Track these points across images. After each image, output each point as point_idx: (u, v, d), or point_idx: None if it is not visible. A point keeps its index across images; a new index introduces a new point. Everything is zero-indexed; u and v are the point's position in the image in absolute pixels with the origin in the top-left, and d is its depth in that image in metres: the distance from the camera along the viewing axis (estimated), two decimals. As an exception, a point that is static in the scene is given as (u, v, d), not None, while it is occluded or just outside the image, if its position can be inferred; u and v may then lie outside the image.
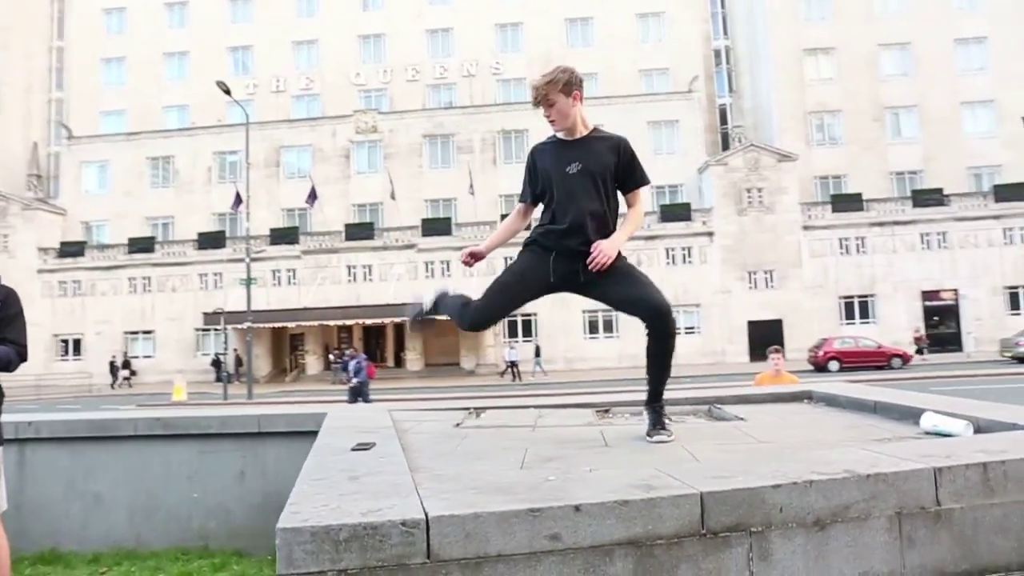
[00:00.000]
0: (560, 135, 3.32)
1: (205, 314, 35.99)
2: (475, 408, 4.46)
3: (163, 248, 40.55)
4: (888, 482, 2.06)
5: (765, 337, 37.50)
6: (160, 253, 40.26)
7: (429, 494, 2.04)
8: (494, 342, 37.93)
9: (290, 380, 38.24)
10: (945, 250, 37.03)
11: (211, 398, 26.80)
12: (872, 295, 37.51)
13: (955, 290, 36.94)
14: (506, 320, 38.34)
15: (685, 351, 37.26)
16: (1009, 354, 30.25)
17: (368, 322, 38.42)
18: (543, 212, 3.38)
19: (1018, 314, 36.22)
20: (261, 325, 34.21)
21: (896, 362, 30.26)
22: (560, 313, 37.77)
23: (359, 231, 39.16)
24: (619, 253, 3.22)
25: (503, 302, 3.34)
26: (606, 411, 4.43)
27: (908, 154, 40.67)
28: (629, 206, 3.40)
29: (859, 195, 38.45)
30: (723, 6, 46.21)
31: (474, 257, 3.45)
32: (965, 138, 40.25)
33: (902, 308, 37.00)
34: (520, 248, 3.41)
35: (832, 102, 41.15)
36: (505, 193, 40.71)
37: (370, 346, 41.19)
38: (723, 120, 45.83)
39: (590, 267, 3.07)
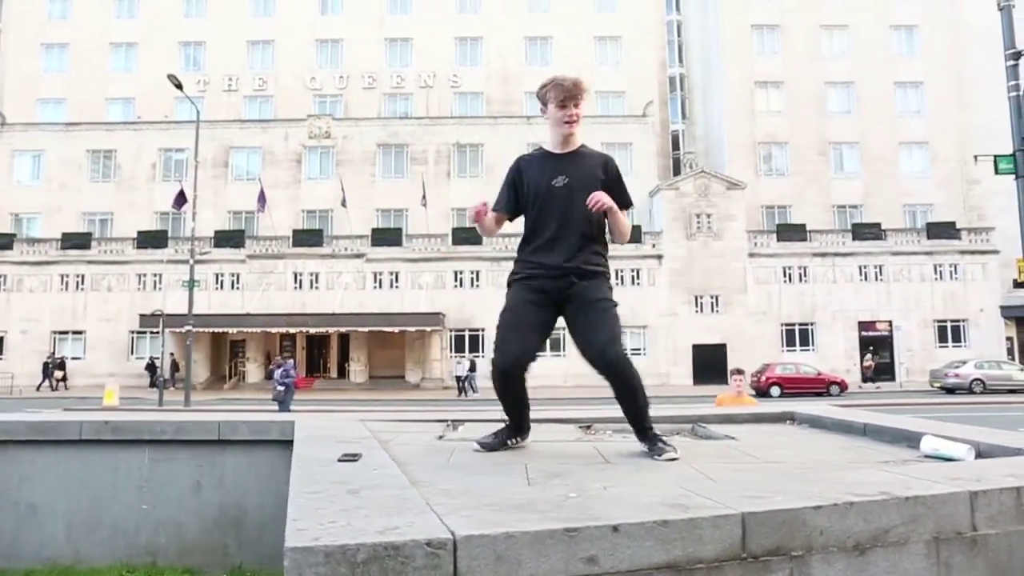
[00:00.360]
0: (549, 146, 3.29)
1: (142, 316, 34.60)
2: (452, 421, 4.28)
3: (100, 245, 38.91)
4: (927, 505, 1.99)
5: (709, 361, 38.17)
6: (96, 250, 38.60)
7: (446, 511, 1.87)
8: (440, 356, 37.56)
9: (229, 388, 37.05)
10: (881, 283, 38.37)
11: (145, 403, 25.70)
12: (812, 323, 38.55)
13: (890, 321, 38.26)
14: (453, 334, 38.13)
15: (630, 372, 37.66)
16: (938, 384, 31.47)
17: (313, 331, 37.61)
18: (524, 230, 3.30)
19: (946, 347, 37.70)
20: (201, 330, 33.06)
21: (834, 389, 31.08)
22: (507, 329, 37.63)
23: (307, 238, 38.37)
24: (606, 295, 3.22)
25: (523, 341, 3.20)
26: (588, 427, 4.30)
27: (849, 188, 42.18)
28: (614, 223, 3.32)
29: (803, 225, 39.61)
30: (679, 35, 47.30)
31: (483, 208, 3.27)
32: (902, 177, 41.98)
33: (840, 337, 38.14)
34: (508, 285, 3.33)
35: (780, 134, 42.41)
36: (457, 206, 40.55)
37: (313, 356, 40.36)
38: (675, 146, 46.74)
39: (590, 204, 3.02)
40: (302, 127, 41.05)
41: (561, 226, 3.13)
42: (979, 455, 2.91)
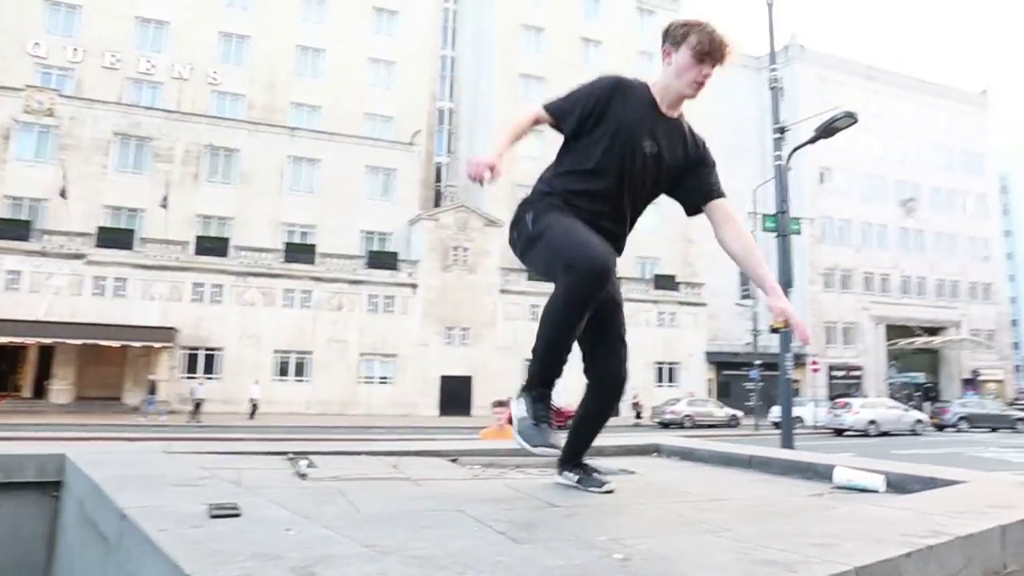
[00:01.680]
0: (661, 97, 2.56)
1: None
2: (294, 453, 3.47)
3: None
4: (976, 544, 1.83)
5: (456, 392, 38.78)
6: None
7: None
8: (169, 376, 33.56)
9: None
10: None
11: None
12: (553, 359, 40.95)
13: (619, 361, 42.05)
14: (185, 353, 34.32)
15: (378, 401, 36.88)
16: (658, 420, 35.31)
17: (2, 340, 31.44)
18: (568, 164, 2.63)
19: (662, 386, 42.35)
20: None
21: (571, 423, 33.17)
22: (249, 350, 35.00)
23: (9, 228, 32.15)
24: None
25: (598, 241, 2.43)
26: (454, 460, 3.77)
27: (593, 237, 45.94)
28: (723, 224, 2.64)
29: (550, 267, 42.21)
30: (452, 70, 48.49)
31: (493, 171, 2.46)
32: (637, 231, 46.55)
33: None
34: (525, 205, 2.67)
35: (536, 178, 45.00)
36: (204, 213, 37.01)
37: (1, 371, 33.80)
38: (437, 177, 47.48)
39: (799, 337, 2.58)
40: (16, 98, 34.52)
41: (624, 200, 2.58)
42: (890, 485, 2.93)
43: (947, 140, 58.62)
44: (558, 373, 2.55)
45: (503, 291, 40.26)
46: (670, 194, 2.69)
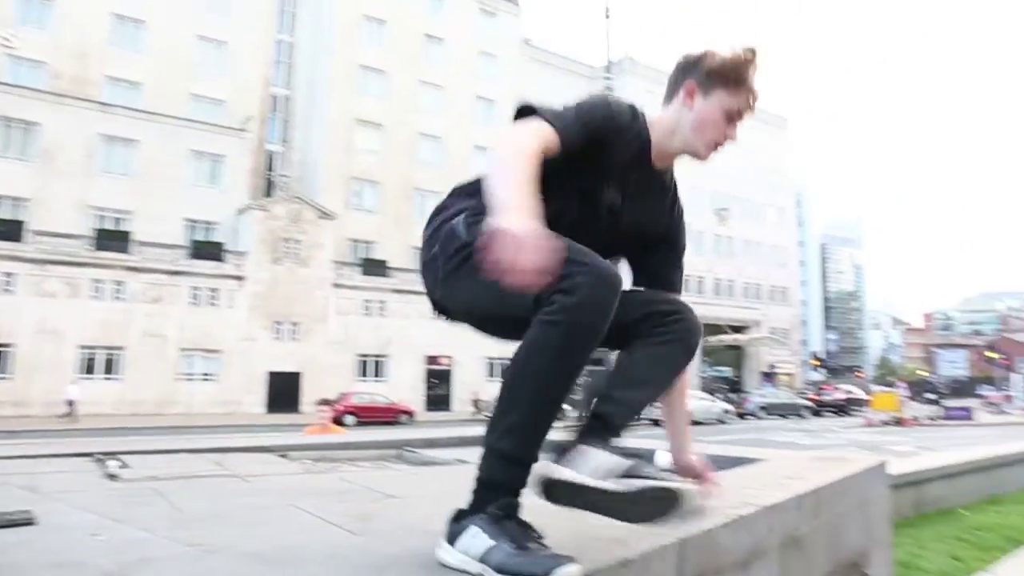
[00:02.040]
0: (657, 142, 1.82)
1: None
2: (102, 454, 3.17)
3: None
4: (777, 512, 2.05)
5: (284, 388, 37.29)
6: None
7: None
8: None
9: None
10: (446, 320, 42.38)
11: None
12: (386, 355, 40.55)
13: (451, 356, 42.35)
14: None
15: (200, 399, 34.64)
16: (486, 412, 35.96)
17: None
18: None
19: (493, 380, 43.19)
20: None
21: (404, 418, 33.05)
22: (47, 346, 31.57)
23: None
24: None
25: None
26: (283, 455, 3.63)
27: (431, 233, 45.87)
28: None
29: (384, 262, 41.66)
30: (290, 56, 46.34)
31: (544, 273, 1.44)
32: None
33: (408, 369, 40.81)
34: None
35: (374, 173, 44.23)
36: (-2, 192, 32.81)
37: None
38: (269, 167, 45.27)
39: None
40: None
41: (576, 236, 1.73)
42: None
43: (756, 157, 64.75)
44: (534, 459, 1.56)
45: (336, 285, 39.21)
46: (628, 260, 1.97)
